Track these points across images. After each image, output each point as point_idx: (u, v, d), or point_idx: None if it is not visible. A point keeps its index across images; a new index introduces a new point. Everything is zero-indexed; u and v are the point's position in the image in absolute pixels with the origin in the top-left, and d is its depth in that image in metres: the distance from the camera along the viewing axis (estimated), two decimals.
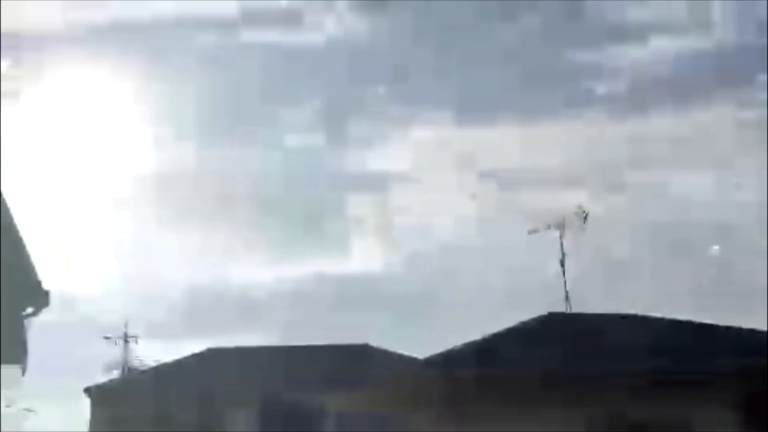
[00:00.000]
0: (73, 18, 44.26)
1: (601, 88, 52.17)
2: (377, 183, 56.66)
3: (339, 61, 49.69)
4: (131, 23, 44.26)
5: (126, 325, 35.89)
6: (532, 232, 19.05)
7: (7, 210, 9.85)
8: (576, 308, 17.81)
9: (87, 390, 28.60)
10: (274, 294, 53.73)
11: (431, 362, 15.27)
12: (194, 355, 30.11)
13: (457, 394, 13.82)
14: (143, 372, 31.31)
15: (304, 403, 24.19)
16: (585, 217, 18.69)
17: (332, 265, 53.76)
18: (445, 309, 41.51)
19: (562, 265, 18.38)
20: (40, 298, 12.11)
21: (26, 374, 13.27)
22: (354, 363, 26.33)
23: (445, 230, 53.79)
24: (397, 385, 15.67)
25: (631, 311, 17.08)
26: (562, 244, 18.46)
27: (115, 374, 32.94)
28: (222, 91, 51.98)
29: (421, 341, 35.77)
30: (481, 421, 13.24)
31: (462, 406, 13.59)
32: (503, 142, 48.45)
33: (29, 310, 12.29)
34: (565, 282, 18.23)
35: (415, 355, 25.38)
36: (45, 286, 12.12)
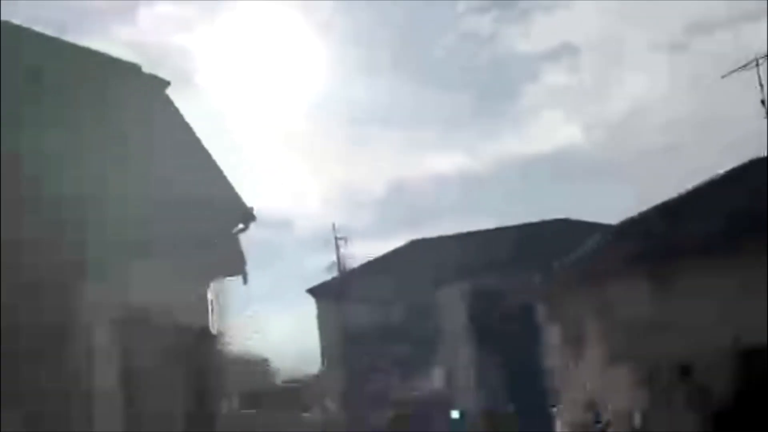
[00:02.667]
0: None
1: None
2: (554, 56, 54.50)
3: None
4: None
5: (337, 229, 38.19)
6: (725, 75, 17.62)
7: (197, 139, 10.84)
8: None
9: (310, 290, 31.28)
10: (469, 180, 54.38)
11: (624, 226, 15.05)
12: (399, 248, 31.72)
13: (654, 254, 13.62)
14: (357, 268, 33.35)
15: (506, 282, 24.79)
16: None
17: (523, 144, 53.24)
18: (640, 176, 39.97)
19: (764, 104, 16.95)
20: (246, 215, 13.39)
21: (260, 284, 14.76)
22: (554, 238, 26.41)
23: (631, 94, 51.03)
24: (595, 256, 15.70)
25: None
26: (761, 84, 16.94)
27: (333, 274, 35.35)
28: None
29: (618, 209, 34.99)
30: (678, 280, 13.00)
31: (661, 265, 13.38)
32: None
33: (240, 226, 13.63)
34: None
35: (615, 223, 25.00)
36: (248, 204, 13.37)
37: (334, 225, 37.46)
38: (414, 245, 31.42)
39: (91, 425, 7.61)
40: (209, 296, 14.12)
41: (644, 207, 15.55)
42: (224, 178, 11.90)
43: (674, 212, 14.75)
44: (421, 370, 27.11)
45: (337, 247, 35.62)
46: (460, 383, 25.95)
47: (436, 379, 27.07)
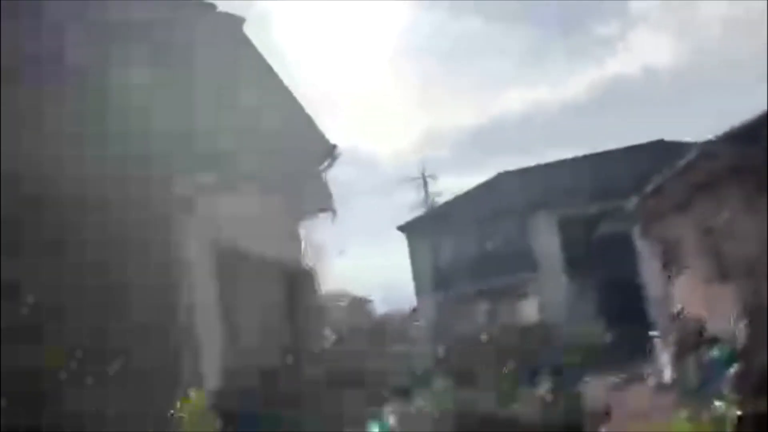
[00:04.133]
0: None
1: None
2: None
3: None
4: None
5: (423, 166, 38.16)
6: None
7: (280, 81, 10.88)
8: None
9: (401, 227, 31.50)
10: (560, 108, 53.01)
11: (717, 142, 14.34)
12: (488, 181, 31.38)
13: (749, 168, 12.99)
14: (447, 203, 33.25)
15: (600, 208, 24.25)
16: None
17: (612, 68, 51.25)
18: (733, 92, 37.86)
19: None
20: (330, 152, 13.45)
21: (347, 222, 14.92)
22: (650, 160, 25.53)
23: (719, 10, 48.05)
24: (688, 173, 15.10)
25: None
26: None
27: (423, 210, 35.44)
28: None
29: (713, 127, 33.32)
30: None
31: (756, 179, 12.78)
32: None
33: (325, 164, 13.72)
34: None
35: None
36: (331, 141, 13.39)
37: (422, 162, 37.44)
38: (504, 177, 31.01)
39: (196, 359, 7.92)
40: (301, 234, 14.40)
41: (737, 123, 14.77)
42: (306, 115, 11.94)
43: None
44: (516, 302, 27.04)
45: (425, 183, 35.62)
46: (555, 313, 25.74)
47: (531, 310, 26.95)
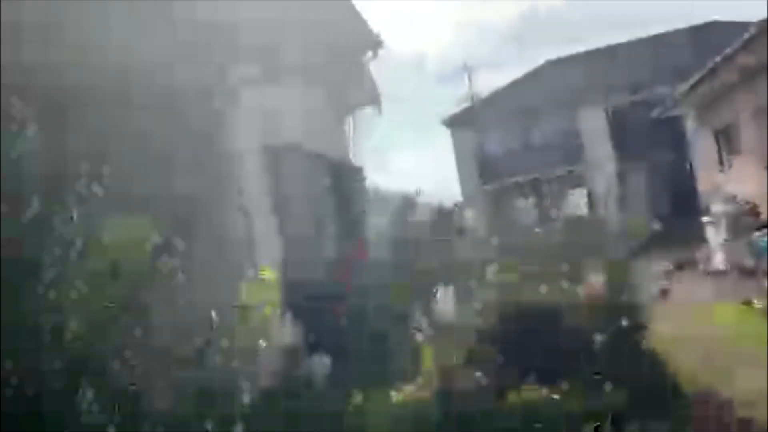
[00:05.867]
0: None
1: None
2: None
3: None
4: None
5: (465, 61, 37.31)
6: None
7: None
8: None
9: (445, 122, 31.18)
10: None
11: None
12: (535, 70, 30.57)
13: None
14: (493, 94, 32.60)
15: (652, 95, 23.58)
16: None
17: None
18: None
19: None
20: (373, 42, 13.18)
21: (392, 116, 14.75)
22: (704, 43, 24.55)
23: None
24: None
25: None
26: None
27: (468, 104, 34.81)
28: None
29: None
30: None
31: None
32: None
33: (369, 54, 13.48)
34: None
35: None
36: (374, 30, 13.09)
37: (464, 57, 36.53)
38: (551, 66, 30.12)
39: (251, 247, 8.11)
40: (347, 128, 14.32)
41: None
42: (351, 6, 11.67)
43: None
44: (565, 194, 26.83)
45: (469, 77, 34.93)
46: (606, 203, 25.53)
47: (581, 201, 26.75)
